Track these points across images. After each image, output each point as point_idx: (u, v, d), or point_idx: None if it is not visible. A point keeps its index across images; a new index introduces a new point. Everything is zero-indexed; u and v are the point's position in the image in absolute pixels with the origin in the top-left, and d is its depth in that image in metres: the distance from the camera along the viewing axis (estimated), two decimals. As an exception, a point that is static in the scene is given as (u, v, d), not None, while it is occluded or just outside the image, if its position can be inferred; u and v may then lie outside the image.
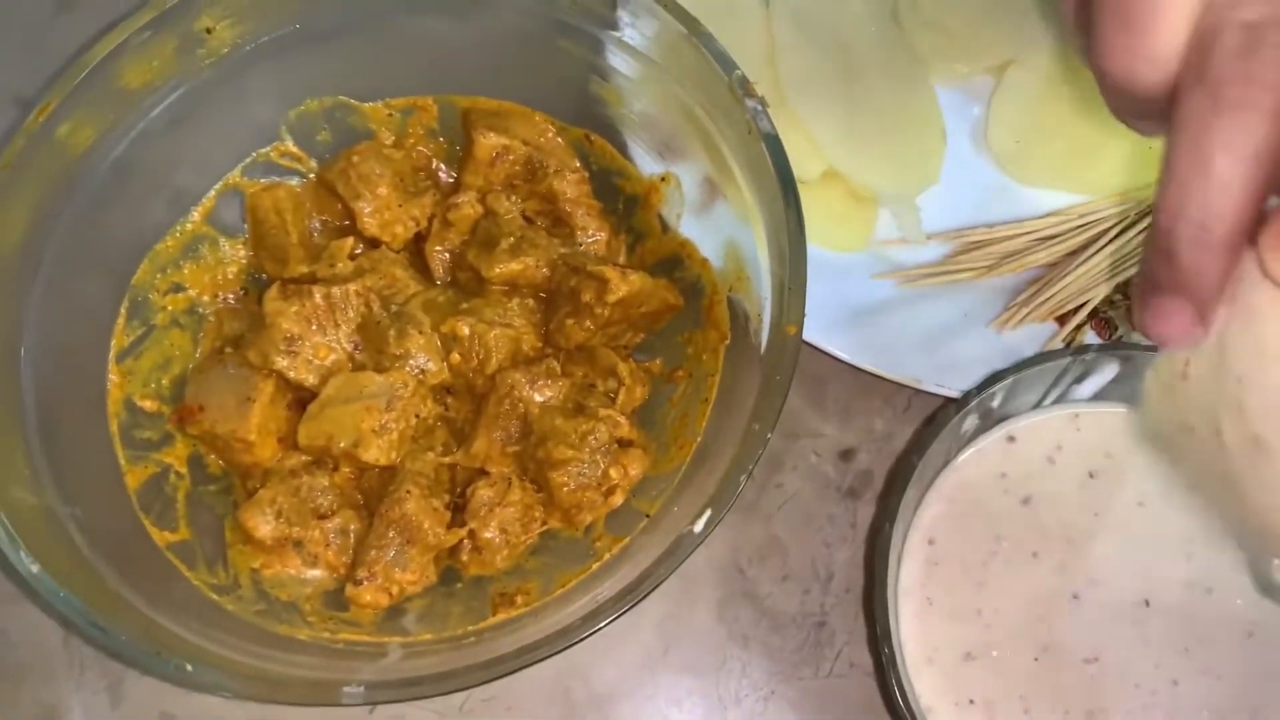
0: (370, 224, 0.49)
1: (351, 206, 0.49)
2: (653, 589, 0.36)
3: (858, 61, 0.55)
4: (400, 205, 0.49)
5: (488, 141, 0.49)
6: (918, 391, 0.48)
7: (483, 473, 0.46)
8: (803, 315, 0.39)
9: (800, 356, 0.39)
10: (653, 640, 0.48)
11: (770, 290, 0.42)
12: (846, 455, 0.50)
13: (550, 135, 0.50)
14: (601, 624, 0.35)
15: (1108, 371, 0.44)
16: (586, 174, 0.50)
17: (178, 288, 0.48)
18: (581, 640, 0.35)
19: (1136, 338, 0.46)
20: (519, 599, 0.43)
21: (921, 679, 0.41)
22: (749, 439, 0.38)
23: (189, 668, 0.35)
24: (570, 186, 0.50)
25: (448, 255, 0.50)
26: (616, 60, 0.47)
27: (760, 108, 0.42)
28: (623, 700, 0.47)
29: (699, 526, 0.36)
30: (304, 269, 0.48)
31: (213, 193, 0.49)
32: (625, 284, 0.45)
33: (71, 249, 0.44)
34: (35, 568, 0.37)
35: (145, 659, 0.36)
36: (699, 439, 0.44)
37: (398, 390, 0.45)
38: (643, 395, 0.47)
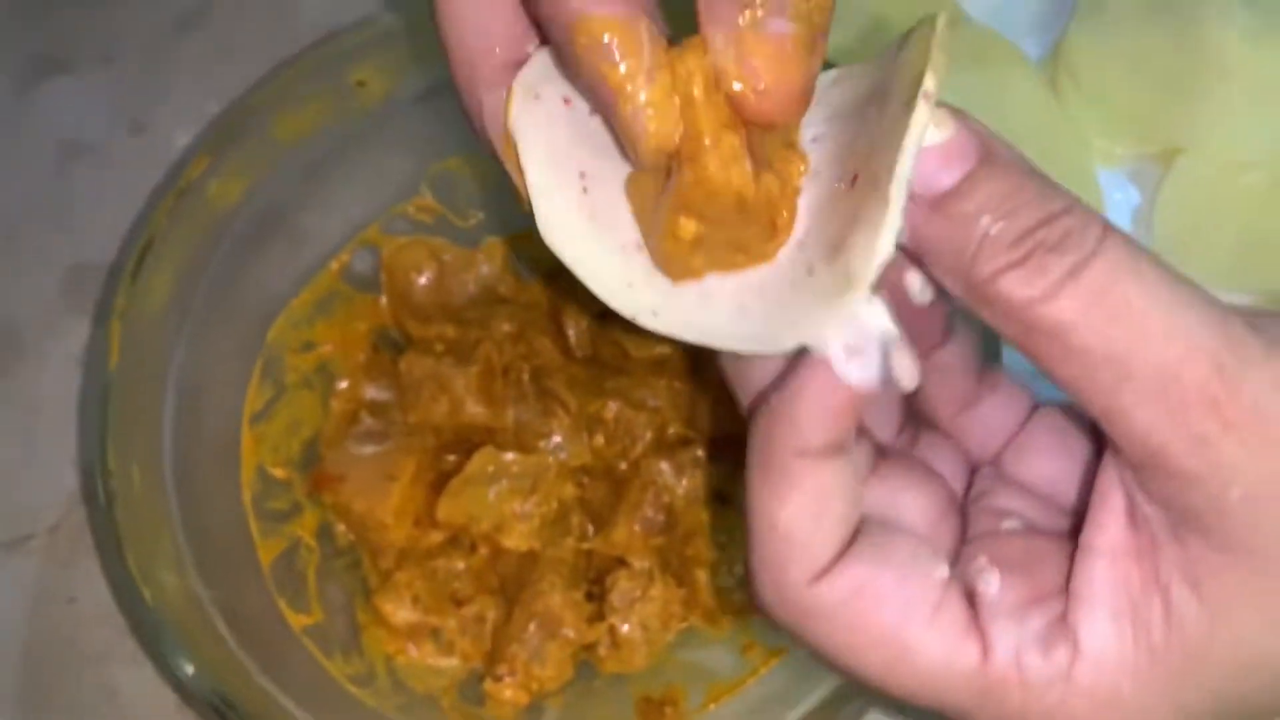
0: None
1: None
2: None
3: (1013, 136, 0.52)
4: None
5: None
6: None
7: (621, 562, 0.44)
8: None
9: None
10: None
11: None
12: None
13: None
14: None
15: None
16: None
17: (309, 345, 0.47)
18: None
19: None
20: (667, 710, 0.41)
21: None
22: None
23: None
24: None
25: (585, 326, 0.48)
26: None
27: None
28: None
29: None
30: (450, 330, 0.46)
31: (348, 246, 0.47)
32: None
33: (212, 308, 0.42)
34: (190, 669, 0.35)
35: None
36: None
37: (542, 473, 0.44)
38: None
